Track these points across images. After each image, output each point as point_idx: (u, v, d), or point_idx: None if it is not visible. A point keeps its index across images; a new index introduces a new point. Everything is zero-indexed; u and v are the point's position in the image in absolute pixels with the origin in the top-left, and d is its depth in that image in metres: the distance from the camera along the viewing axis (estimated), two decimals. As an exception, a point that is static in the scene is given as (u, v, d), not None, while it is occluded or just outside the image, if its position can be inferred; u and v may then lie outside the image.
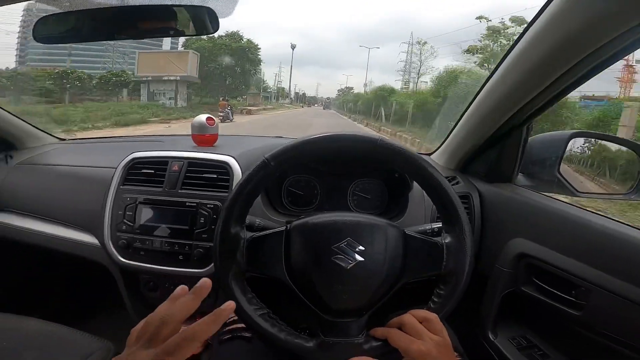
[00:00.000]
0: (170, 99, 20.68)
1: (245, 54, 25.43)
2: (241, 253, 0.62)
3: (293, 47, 69.31)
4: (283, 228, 0.64)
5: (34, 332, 0.82)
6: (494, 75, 0.85)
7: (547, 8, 0.66)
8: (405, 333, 0.59)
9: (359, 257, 0.60)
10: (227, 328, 0.91)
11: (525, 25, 0.73)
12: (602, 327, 0.69)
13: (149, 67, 21.02)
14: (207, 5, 0.73)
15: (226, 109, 16.02)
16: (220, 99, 19.83)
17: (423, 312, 0.61)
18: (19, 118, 1.24)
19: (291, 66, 75.44)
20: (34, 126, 1.30)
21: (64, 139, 1.40)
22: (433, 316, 0.60)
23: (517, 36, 0.76)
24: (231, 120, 15.73)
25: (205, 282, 0.54)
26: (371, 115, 21.66)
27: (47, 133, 1.36)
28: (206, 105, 20.58)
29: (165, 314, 0.52)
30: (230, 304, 0.53)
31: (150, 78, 20.73)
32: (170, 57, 22.27)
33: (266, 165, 0.61)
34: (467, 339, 0.92)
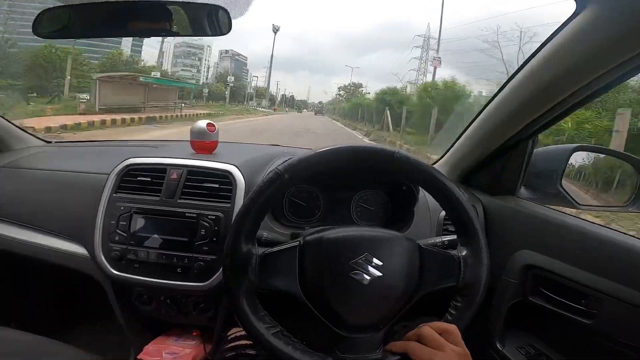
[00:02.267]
0: None
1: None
2: (253, 270, 0.60)
3: (275, 29, 49.28)
4: (296, 243, 0.63)
5: (16, 343, 0.75)
6: (504, 90, 0.87)
7: (562, 31, 0.69)
8: (424, 346, 0.58)
9: (377, 272, 0.59)
10: (230, 345, 0.87)
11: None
12: (616, 334, 0.71)
13: None
14: (222, 5, 0.71)
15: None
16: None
17: (442, 324, 0.61)
18: (1, 117, 1.16)
19: (272, 55, 55.77)
20: (18, 127, 1.22)
21: (50, 142, 1.33)
22: (453, 327, 0.60)
23: (530, 54, 0.78)
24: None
25: None
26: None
27: (33, 135, 1.28)
28: None
29: None
30: None
31: None
32: None
33: (280, 177, 0.59)
34: (474, 349, 0.91)
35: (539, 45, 0.75)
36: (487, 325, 0.95)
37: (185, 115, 15.56)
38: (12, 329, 0.77)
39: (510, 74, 0.86)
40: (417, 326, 0.61)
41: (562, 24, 0.68)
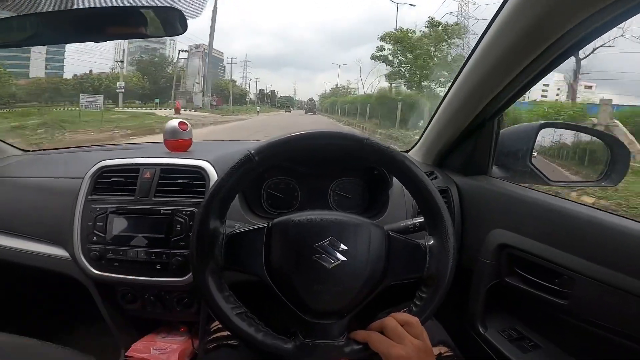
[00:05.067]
0: None
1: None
2: (219, 249, 0.60)
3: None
4: (265, 225, 0.63)
5: (7, 346, 0.77)
6: (463, 71, 0.87)
7: (505, 6, 0.69)
8: (386, 337, 0.58)
9: (341, 257, 0.59)
10: (213, 336, 0.89)
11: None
12: (588, 314, 0.70)
13: None
14: (175, 7, 0.71)
15: None
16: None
17: (404, 316, 0.61)
18: None
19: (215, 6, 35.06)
20: None
21: (27, 150, 1.34)
22: (414, 320, 0.60)
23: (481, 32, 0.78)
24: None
25: None
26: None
27: (9, 144, 1.29)
28: None
29: None
30: None
31: None
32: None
33: (250, 159, 0.60)
34: (457, 333, 0.92)
35: (488, 22, 0.75)
36: (468, 308, 0.95)
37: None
38: (3, 333, 0.80)
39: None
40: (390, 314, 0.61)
41: (504, 1, 0.68)
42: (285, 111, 43.25)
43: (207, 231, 0.60)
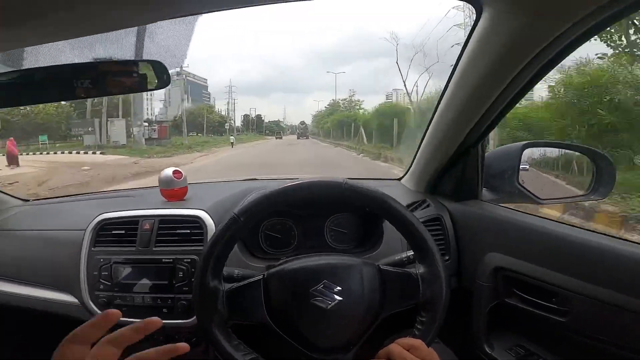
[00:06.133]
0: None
1: None
2: (222, 304, 0.64)
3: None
4: (260, 277, 0.67)
5: None
6: (442, 101, 0.90)
7: (472, 36, 0.71)
8: None
9: (337, 297, 0.63)
10: None
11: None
12: (589, 330, 0.72)
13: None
14: (158, 60, 0.74)
15: None
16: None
17: (409, 340, 0.63)
18: None
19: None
20: None
21: (27, 200, 1.37)
22: (419, 343, 0.62)
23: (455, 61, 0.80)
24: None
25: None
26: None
27: (10, 195, 1.32)
28: None
29: None
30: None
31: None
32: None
33: (236, 221, 0.64)
34: (465, 354, 0.94)
35: (459, 52, 0.77)
36: (472, 329, 0.96)
37: None
38: None
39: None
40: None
41: (471, 29, 0.70)
42: (276, 138, 36.45)
43: (207, 290, 0.64)
